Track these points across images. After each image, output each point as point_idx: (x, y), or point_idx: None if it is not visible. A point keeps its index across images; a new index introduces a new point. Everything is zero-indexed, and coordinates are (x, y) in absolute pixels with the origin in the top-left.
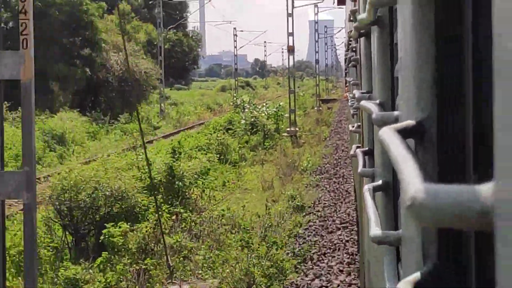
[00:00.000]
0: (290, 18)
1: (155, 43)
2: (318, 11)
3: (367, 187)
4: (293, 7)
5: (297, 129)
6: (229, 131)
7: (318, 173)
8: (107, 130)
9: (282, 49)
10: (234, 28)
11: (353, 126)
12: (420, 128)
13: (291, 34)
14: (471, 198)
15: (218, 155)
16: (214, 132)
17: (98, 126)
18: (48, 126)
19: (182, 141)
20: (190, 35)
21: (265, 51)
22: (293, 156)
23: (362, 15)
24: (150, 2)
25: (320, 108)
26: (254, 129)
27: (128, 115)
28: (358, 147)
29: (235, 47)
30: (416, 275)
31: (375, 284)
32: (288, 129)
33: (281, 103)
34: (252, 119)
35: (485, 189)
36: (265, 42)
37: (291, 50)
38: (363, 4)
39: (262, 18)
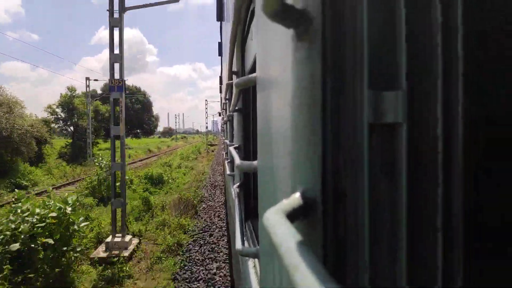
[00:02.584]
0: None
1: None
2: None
3: (227, 169)
4: (206, 105)
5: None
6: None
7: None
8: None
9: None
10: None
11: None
12: (240, 146)
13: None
14: (252, 164)
15: None
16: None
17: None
18: None
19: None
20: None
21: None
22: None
23: (224, 117)
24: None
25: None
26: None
27: None
28: (226, 158)
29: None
30: (238, 183)
31: (228, 186)
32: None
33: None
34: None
35: (255, 162)
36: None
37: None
38: (224, 114)
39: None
